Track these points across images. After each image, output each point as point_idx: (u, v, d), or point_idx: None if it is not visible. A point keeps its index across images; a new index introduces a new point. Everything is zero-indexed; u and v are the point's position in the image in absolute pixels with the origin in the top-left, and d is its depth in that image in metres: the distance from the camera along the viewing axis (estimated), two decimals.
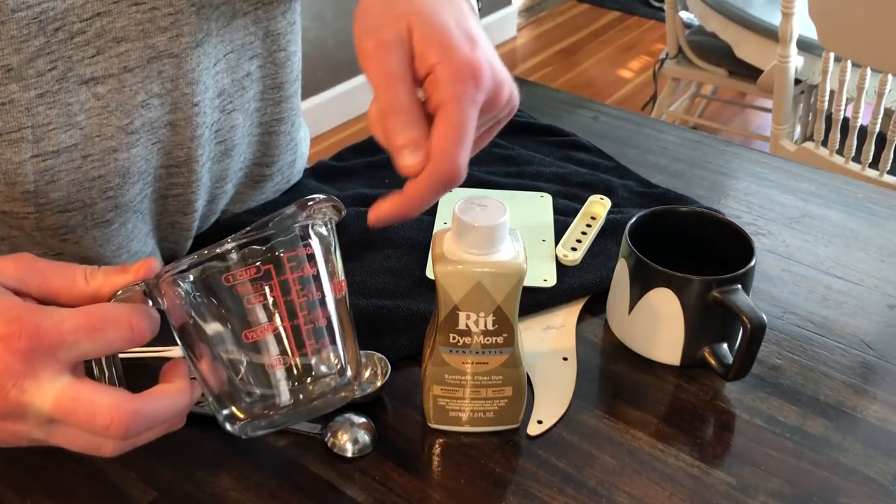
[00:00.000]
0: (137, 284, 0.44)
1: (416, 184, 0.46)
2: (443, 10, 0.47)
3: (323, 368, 0.46)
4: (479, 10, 0.59)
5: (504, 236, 0.50)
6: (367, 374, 0.60)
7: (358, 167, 0.85)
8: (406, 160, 0.46)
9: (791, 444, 0.57)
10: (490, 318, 0.52)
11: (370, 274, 0.68)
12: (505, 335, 0.53)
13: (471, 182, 0.81)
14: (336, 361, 0.46)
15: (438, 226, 0.75)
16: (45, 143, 0.55)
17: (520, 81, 1.05)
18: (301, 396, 0.45)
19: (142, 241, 0.66)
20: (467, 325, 0.52)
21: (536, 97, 1.01)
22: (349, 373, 0.47)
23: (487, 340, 0.53)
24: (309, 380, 0.45)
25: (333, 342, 0.46)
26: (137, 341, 0.43)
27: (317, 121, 2.70)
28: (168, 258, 0.72)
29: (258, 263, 0.43)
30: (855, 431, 0.58)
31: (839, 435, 0.57)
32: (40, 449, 0.55)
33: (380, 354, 0.60)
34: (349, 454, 0.55)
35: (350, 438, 0.55)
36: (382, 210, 0.47)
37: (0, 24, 0.50)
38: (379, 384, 0.59)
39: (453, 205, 0.51)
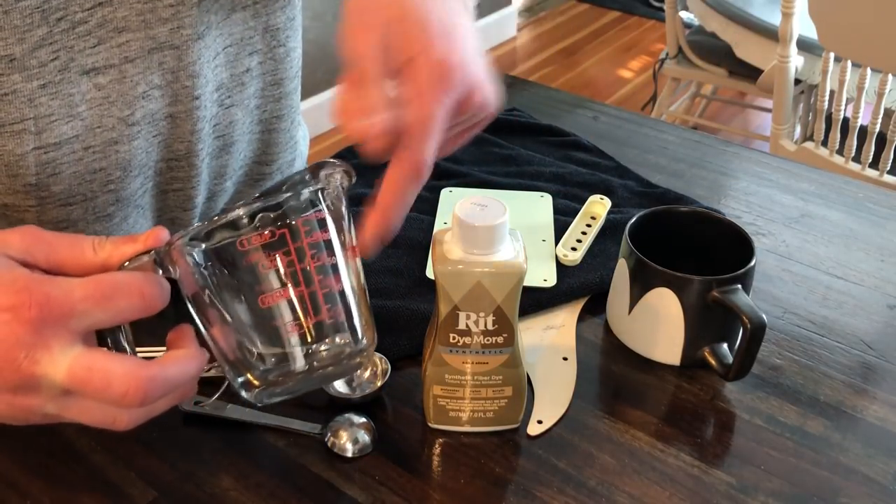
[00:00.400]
0: (147, 253, 0.44)
1: (385, 187, 0.47)
2: (428, 4, 0.48)
3: (337, 335, 0.46)
4: (478, 6, 0.59)
5: (504, 236, 0.50)
6: (366, 374, 0.60)
7: (358, 167, 0.85)
8: (356, 125, 0.46)
9: (791, 444, 0.57)
10: (490, 318, 0.52)
11: (370, 274, 0.68)
12: (505, 335, 0.53)
13: (471, 182, 0.81)
14: (350, 327, 0.47)
15: (438, 226, 0.75)
16: (48, 135, 0.55)
17: (520, 81, 1.05)
18: (315, 362, 0.46)
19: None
20: (467, 325, 0.52)
21: (536, 97, 1.01)
22: (363, 339, 0.47)
23: (487, 340, 0.53)
24: (323, 346, 0.46)
25: (347, 308, 0.46)
26: (149, 309, 0.43)
27: (317, 121, 2.70)
28: None
29: (271, 229, 0.43)
30: (855, 431, 0.58)
31: (839, 435, 0.57)
32: (40, 449, 0.55)
33: (380, 354, 0.60)
34: (349, 454, 0.55)
35: (350, 438, 0.55)
36: (367, 236, 0.47)
37: (3, 13, 0.50)
38: (379, 384, 0.59)
39: (453, 205, 0.51)
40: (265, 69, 0.68)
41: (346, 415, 0.56)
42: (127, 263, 0.44)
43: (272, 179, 0.77)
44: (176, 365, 0.43)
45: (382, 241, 0.47)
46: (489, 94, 0.49)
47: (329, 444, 0.55)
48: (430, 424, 0.57)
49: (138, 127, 0.59)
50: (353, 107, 0.46)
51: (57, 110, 0.54)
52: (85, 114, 0.56)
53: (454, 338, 0.53)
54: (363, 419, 0.56)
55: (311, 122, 3.05)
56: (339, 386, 0.59)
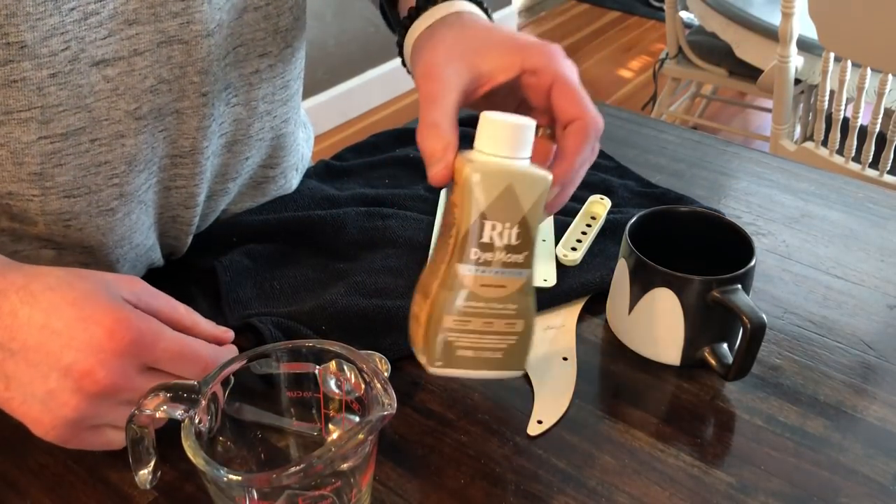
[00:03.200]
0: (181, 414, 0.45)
1: (568, 157, 0.53)
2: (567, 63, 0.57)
3: None
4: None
5: (530, 142, 0.50)
6: (353, 379, 0.60)
7: (358, 167, 0.85)
8: (431, 169, 0.51)
9: (791, 444, 0.57)
10: (515, 231, 0.50)
11: (370, 274, 0.68)
12: (526, 253, 0.51)
13: None
14: None
15: (438, 225, 0.75)
16: (55, 125, 0.55)
17: None
18: None
19: (144, 233, 0.66)
20: (492, 238, 0.50)
21: None
22: None
23: (509, 258, 0.50)
24: None
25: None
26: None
27: (317, 121, 2.70)
28: (167, 254, 0.72)
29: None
30: (855, 431, 0.58)
31: (839, 435, 0.57)
32: (41, 448, 0.55)
33: (380, 354, 0.60)
34: None
35: None
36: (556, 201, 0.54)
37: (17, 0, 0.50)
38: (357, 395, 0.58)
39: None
40: (275, 72, 0.68)
41: (343, 415, 0.56)
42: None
43: (275, 183, 0.77)
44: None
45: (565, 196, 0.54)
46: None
47: None
48: (430, 369, 0.53)
49: (145, 121, 0.59)
50: (429, 151, 0.52)
51: (65, 101, 0.55)
52: (92, 105, 0.56)
53: (476, 252, 0.50)
54: (359, 419, 0.56)
55: (311, 122, 3.04)
56: (334, 387, 0.58)
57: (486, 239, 0.49)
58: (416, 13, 0.58)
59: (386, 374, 0.59)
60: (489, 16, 0.61)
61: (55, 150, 0.56)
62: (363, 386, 0.47)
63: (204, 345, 0.51)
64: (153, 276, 0.71)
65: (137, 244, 0.66)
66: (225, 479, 0.42)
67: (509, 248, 0.50)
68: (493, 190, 0.48)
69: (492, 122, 0.49)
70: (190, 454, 0.43)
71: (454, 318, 0.51)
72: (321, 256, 0.72)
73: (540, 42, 0.55)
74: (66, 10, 0.52)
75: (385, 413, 0.43)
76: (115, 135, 0.58)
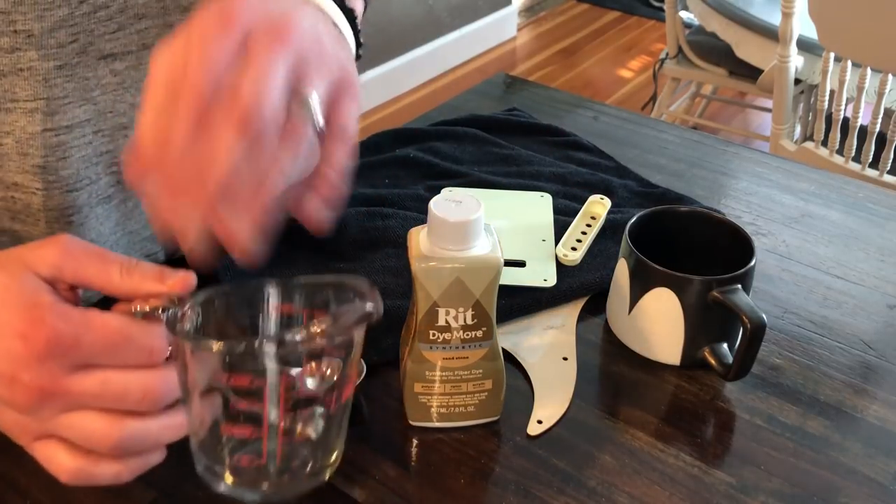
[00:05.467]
0: (161, 309, 0.44)
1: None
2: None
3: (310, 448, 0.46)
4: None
5: (479, 231, 0.51)
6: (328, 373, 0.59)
7: (358, 167, 0.85)
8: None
9: (791, 444, 0.57)
10: (469, 313, 0.52)
11: (370, 274, 0.69)
12: (484, 329, 0.53)
13: (471, 182, 0.81)
14: (326, 444, 0.47)
15: None
16: (59, 117, 0.55)
17: (520, 81, 1.05)
18: (281, 466, 0.45)
19: (140, 221, 0.66)
20: (447, 321, 0.52)
21: (536, 97, 1.01)
22: (334, 456, 0.47)
23: (467, 335, 0.53)
24: (293, 455, 0.45)
25: (329, 427, 0.46)
26: (151, 365, 0.44)
27: None
28: (168, 245, 0.71)
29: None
30: (855, 431, 0.58)
31: (839, 435, 0.57)
32: None
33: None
34: None
35: None
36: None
37: None
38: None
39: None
40: None
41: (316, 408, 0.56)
42: (137, 308, 0.44)
43: None
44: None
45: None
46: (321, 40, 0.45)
47: None
48: (410, 422, 0.57)
49: None
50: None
51: (71, 93, 0.55)
52: (98, 98, 0.56)
53: (434, 334, 0.53)
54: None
55: None
56: (311, 385, 0.58)
57: (441, 322, 0.53)
58: None
59: (361, 375, 0.58)
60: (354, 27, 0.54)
61: (59, 142, 0.56)
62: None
63: (141, 328, 0.43)
64: None
65: (131, 231, 0.66)
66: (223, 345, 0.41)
67: (466, 328, 0.53)
68: (442, 282, 0.51)
69: (437, 220, 0.50)
70: (179, 334, 0.42)
71: (423, 384, 0.55)
72: (321, 256, 0.72)
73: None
74: (75, 2, 0.52)
75: (370, 309, 0.43)
76: (118, 126, 0.58)
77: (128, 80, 0.57)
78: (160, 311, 0.44)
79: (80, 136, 0.56)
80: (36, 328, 0.41)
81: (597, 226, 0.75)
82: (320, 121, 0.43)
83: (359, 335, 0.45)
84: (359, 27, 0.53)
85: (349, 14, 0.51)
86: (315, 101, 0.43)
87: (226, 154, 0.39)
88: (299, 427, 0.45)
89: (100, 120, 0.57)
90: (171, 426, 0.45)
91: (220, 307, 0.46)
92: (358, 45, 0.53)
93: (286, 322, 0.47)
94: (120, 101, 0.57)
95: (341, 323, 0.43)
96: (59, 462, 0.44)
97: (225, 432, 0.44)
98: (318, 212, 0.47)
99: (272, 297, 0.47)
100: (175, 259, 0.73)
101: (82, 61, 0.54)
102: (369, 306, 0.43)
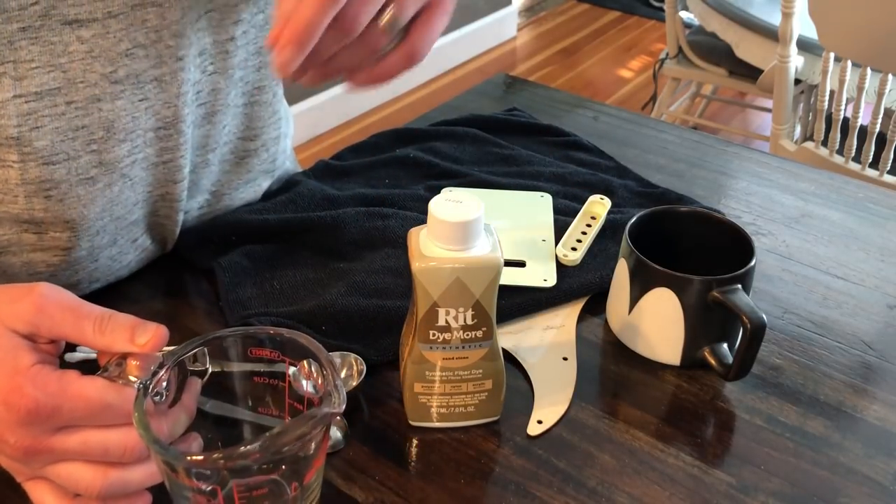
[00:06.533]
0: (136, 381, 0.45)
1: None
2: None
3: None
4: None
5: (479, 231, 0.51)
6: (343, 373, 0.60)
7: (358, 167, 0.85)
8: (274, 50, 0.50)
9: (791, 444, 0.57)
10: (469, 313, 0.52)
11: (370, 274, 0.68)
12: (484, 329, 0.53)
13: (471, 182, 0.81)
14: None
15: None
16: (28, 82, 0.55)
17: (520, 81, 1.05)
18: None
19: (128, 208, 0.66)
20: (447, 321, 0.52)
21: (536, 97, 1.01)
22: None
23: (467, 335, 0.53)
24: None
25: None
26: (123, 459, 0.46)
27: (317, 121, 2.70)
28: (159, 239, 0.71)
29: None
30: (855, 431, 0.58)
31: (839, 435, 0.57)
32: None
33: (355, 355, 0.60)
34: None
35: None
36: (283, 40, 0.49)
37: None
38: (354, 384, 0.58)
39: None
40: (248, 38, 0.68)
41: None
42: (110, 366, 0.46)
43: (256, 156, 0.76)
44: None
45: (297, 49, 0.49)
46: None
47: None
48: (410, 422, 0.57)
49: (121, 86, 0.59)
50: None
51: (37, 57, 0.55)
52: (67, 66, 0.56)
53: (434, 334, 0.53)
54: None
55: (311, 122, 3.05)
56: (308, 388, 0.58)
57: (441, 323, 0.53)
58: None
59: (361, 375, 0.59)
60: None
61: (31, 109, 0.56)
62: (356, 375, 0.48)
63: (118, 394, 0.45)
64: (154, 277, 0.71)
65: (118, 216, 0.65)
66: (163, 453, 0.42)
67: (466, 328, 0.53)
68: (442, 283, 0.51)
69: (437, 220, 0.50)
70: (136, 424, 0.43)
71: (423, 384, 0.55)
72: (321, 256, 0.72)
73: None
74: None
75: (332, 410, 0.43)
76: (91, 98, 0.58)
77: (96, 49, 0.57)
78: (134, 383, 0.45)
79: (51, 104, 0.57)
80: (16, 397, 0.43)
81: (597, 226, 0.75)
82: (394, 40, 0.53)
83: (319, 436, 0.44)
84: None
85: None
86: (399, 24, 0.51)
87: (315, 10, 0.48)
88: None
89: (71, 89, 0.57)
90: (152, 473, 0.47)
91: (196, 360, 0.48)
92: None
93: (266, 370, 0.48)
94: (90, 70, 0.58)
95: (298, 433, 0.42)
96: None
97: None
98: (356, 81, 0.54)
99: (245, 342, 0.48)
100: (172, 260, 0.73)
101: (45, 24, 0.55)
102: (335, 406, 0.43)
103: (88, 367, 0.48)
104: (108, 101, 0.59)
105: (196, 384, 0.48)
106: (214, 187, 0.74)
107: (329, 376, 0.45)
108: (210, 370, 0.48)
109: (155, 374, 0.45)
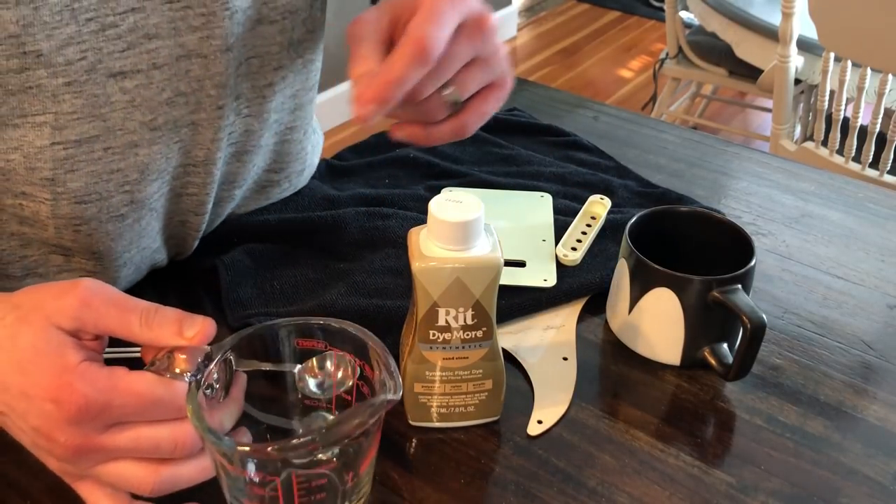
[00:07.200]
0: (184, 374, 0.45)
1: (387, 60, 0.50)
2: None
3: None
4: None
5: (479, 231, 0.51)
6: (339, 374, 0.60)
7: (358, 167, 0.85)
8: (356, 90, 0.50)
9: (791, 444, 0.57)
10: (469, 313, 0.52)
11: (370, 274, 0.68)
12: (484, 329, 0.53)
13: (471, 182, 0.81)
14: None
15: None
16: (68, 132, 0.55)
17: (520, 81, 1.05)
18: None
19: (152, 237, 0.66)
20: (447, 321, 0.52)
21: (536, 97, 1.01)
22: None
23: (467, 335, 0.53)
24: None
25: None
26: (179, 418, 0.45)
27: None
28: (172, 255, 0.72)
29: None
30: (855, 431, 0.58)
31: (839, 435, 0.57)
32: None
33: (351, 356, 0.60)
34: None
35: None
36: (366, 97, 0.49)
37: (34, 9, 0.50)
38: (351, 384, 0.58)
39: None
40: (286, 83, 0.68)
41: (320, 412, 0.56)
42: (157, 361, 0.45)
43: (279, 187, 0.76)
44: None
45: (379, 107, 0.49)
46: (495, 27, 0.53)
47: None
48: (410, 422, 0.57)
49: (160, 132, 0.59)
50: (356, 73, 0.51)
51: (80, 109, 0.54)
52: (108, 115, 0.56)
53: (434, 334, 0.53)
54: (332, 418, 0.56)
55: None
56: (313, 386, 0.58)
57: (441, 322, 0.53)
58: None
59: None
60: None
61: (68, 156, 0.56)
62: (351, 374, 0.49)
63: (167, 388, 0.45)
64: (157, 276, 0.71)
65: (144, 247, 0.66)
66: (224, 447, 0.42)
67: (466, 328, 0.53)
68: (442, 283, 0.51)
69: (437, 220, 0.50)
70: (190, 416, 0.43)
71: (423, 384, 0.55)
72: (321, 256, 0.72)
73: None
74: (83, 20, 0.52)
75: (389, 398, 0.43)
76: (128, 144, 0.58)
77: (137, 99, 0.57)
78: (185, 375, 0.45)
79: (88, 150, 0.56)
80: (67, 394, 0.43)
81: (597, 226, 0.75)
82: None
83: (375, 421, 0.45)
84: None
85: None
86: (458, 100, 0.54)
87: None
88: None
89: (109, 137, 0.57)
90: (204, 468, 0.47)
91: (244, 352, 0.48)
92: None
93: (308, 366, 0.49)
94: (130, 119, 0.57)
95: (357, 422, 0.43)
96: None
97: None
98: (402, 133, 0.57)
99: (292, 334, 0.49)
100: (178, 262, 0.73)
101: (91, 79, 0.54)
102: (392, 392, 0.44)
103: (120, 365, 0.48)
104: (145, 147, 0.59)
105: (243, 378, 0.48)
106: (231, 211, 0.75)
107: (383, 363, 0.45)
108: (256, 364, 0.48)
109: (206, 367, 0.45)
